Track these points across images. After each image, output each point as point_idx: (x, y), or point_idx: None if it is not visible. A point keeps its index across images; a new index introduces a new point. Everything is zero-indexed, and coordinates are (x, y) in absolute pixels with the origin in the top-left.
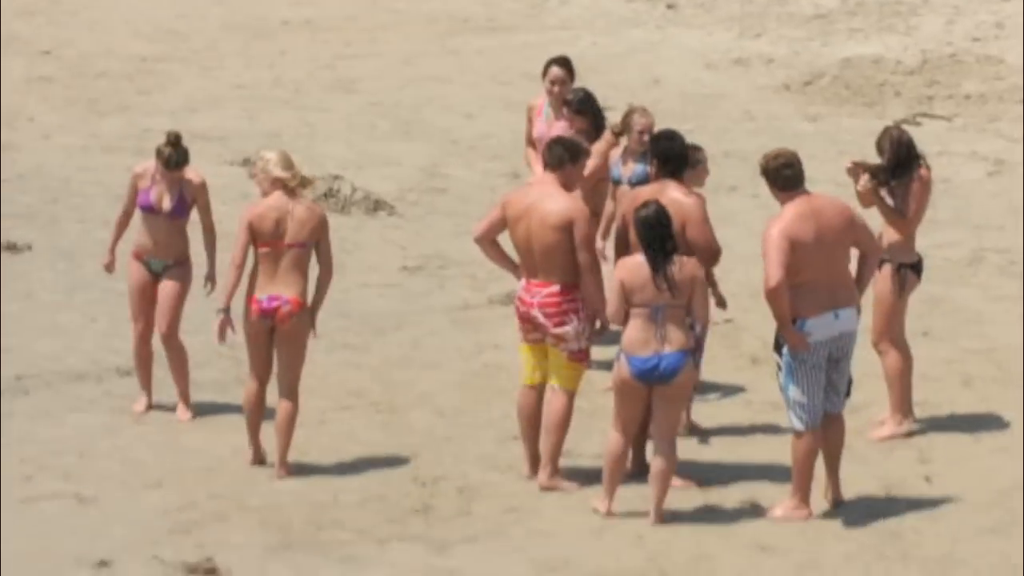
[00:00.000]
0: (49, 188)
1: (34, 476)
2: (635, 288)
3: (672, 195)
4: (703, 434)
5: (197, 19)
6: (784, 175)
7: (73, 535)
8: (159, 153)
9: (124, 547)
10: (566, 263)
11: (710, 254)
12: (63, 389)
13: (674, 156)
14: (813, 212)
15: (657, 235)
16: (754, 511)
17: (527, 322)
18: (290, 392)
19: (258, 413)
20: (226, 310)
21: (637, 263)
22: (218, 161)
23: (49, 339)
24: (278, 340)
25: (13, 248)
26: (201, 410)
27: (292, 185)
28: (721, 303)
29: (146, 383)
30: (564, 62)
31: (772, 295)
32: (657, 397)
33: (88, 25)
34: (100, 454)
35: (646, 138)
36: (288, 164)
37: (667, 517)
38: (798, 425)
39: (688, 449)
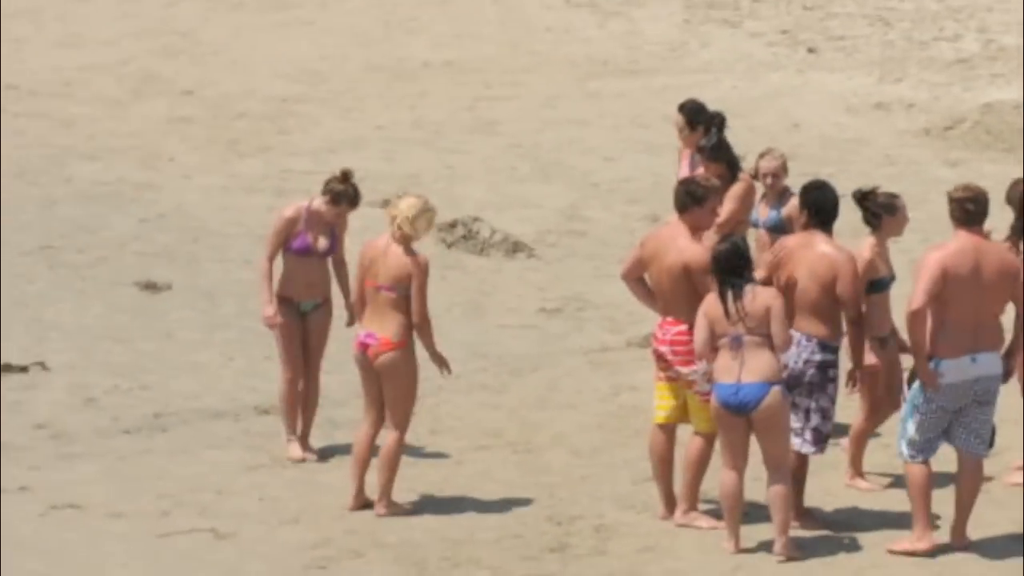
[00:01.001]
0: (189, 228)
1: (171, 512)
2: (715, 319)
3: (822, 249)
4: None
5: (338, 60)
6: (964, 208)
7: (209, 570)
8: (341, 194)
9: None
10: (692, 305)
11: (855, 313)
12: (201, 427)
13: (825, 207)
14: (976, 251)
15: (729, 267)
16: (905, 554)
17: (661, 359)
18: (395, 425)
19: (363, 456)
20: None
21: (716, 295)
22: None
23: (188, 377)
24: (380, 378)
25: (153, 287)
26: (338, 449)
27: (394, 228)
28: (853, 376)
29: (295, 427)
30: (685, 108)
31: (911, 319)
32: (755, 429)
33: (229, 65)
34: (237, 491)
35: (769, 181)
36: (410, 210)
37: (801, 555)
38: (905, 456)
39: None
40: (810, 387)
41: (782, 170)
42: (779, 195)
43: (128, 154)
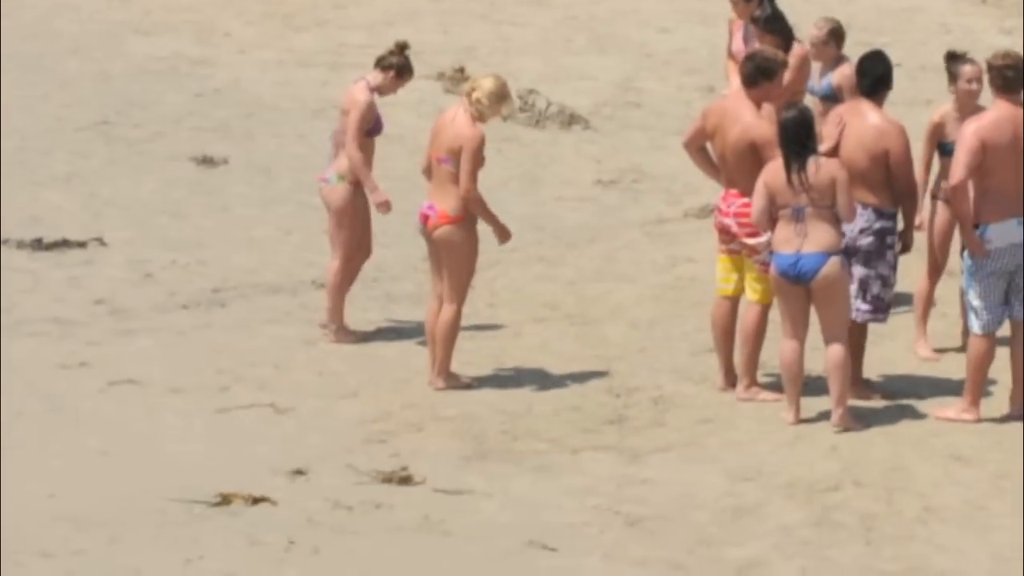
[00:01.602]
0: (244, 103)
1: (231, 387)
2: (776, 190)
3: (871, 119)
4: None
5: None
6: (1005, 75)
7: (269, 444)
8: (404, 67)
9: (319, 456)
10: (756, 178)
11: (906, 184)
12: (259, 302)
13: (875, 74)
14: (1013, 119)
15: (795, 136)
16: (950, 422)
17: (724, 232)
18: (451, 299)
19: (432, 329)
20: None
21: (779, 166)
22: (414, 75)
23: (245, 252)
24: (439, 250)
25: (209, 162)
26: (396, 322)
27: (471, 102)
28: (906, 246)
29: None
30: None
31: (954, 193)
32: (814, 300)
33: None
34: (296, 365)
35: (814, 52)
36: (492, 87)
37: (861, 426)
38: (975, 328)
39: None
40: (867, 255)
41: (831, 37)
42: (833, 63)
43: (183, 29)
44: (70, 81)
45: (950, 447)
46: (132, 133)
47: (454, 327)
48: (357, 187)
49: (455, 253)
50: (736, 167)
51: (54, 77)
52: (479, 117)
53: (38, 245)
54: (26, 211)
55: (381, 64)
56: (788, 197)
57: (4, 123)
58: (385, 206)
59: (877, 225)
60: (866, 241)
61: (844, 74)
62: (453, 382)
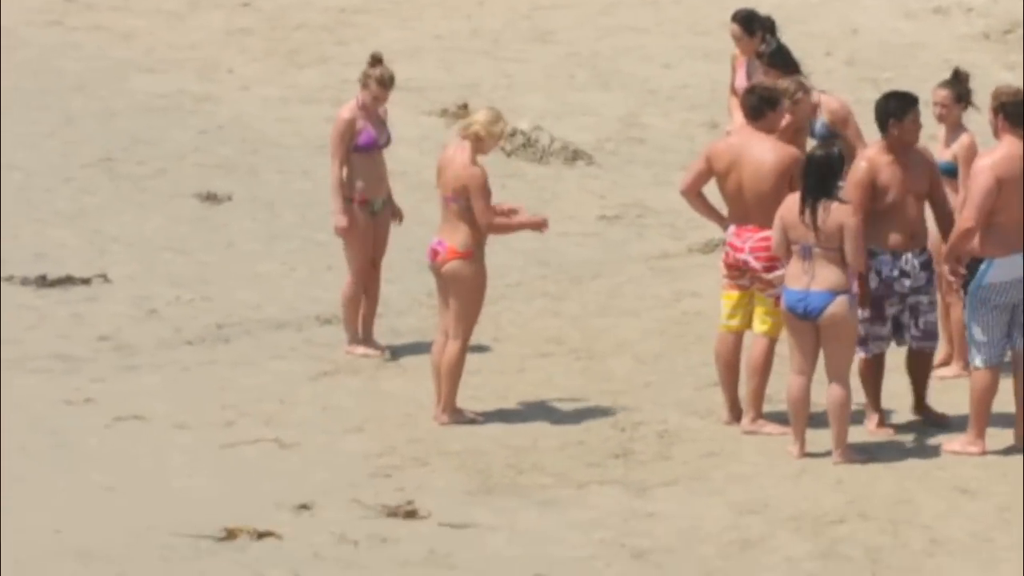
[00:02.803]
0: (248, 139)
1: (236, 422)
2: (789, 225)
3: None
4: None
5: None
6: (1013, 110)
7: (274, 479)
8: (379, 80)
9: (324, 491)
10: (775, 211)
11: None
12: (263, 337)
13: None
14: (1021, 154)
15: (817, 175)
16: (955, 454)
17: (735, 269)
18: (457, 334)
19: (438, 365)
20: None
21: (795, 200)
22: (416, 112)
23: (249, 288)
24: (446, 286)
25: (213, 198)
26: (400, 356)
27: (468, 134)
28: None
29: (358, 332)
30: (739, 17)
31: (965, 235)
32: (821, 337)
33: None
34: (301, 400)
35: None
36: (486, 117)
37: (865, 459)
38: (977, 361)
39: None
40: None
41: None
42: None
43: (187, 66)
44: (74, 118)
45: (955, 480)
46: (136, 170)
47: (459, 362)
48: (361, 205)
49: (463, 288)
50: (756, 199)
51: (58, 114)
52: (480, 149)
53: (43, 281)
54: (31, 247)
55: (365, 81)
56: (799, 233)
57: (9, 160)
58: (339, 230)
59: (920, 260)
60: (915, 275)
61: (831, 109)
62: (458, 417)
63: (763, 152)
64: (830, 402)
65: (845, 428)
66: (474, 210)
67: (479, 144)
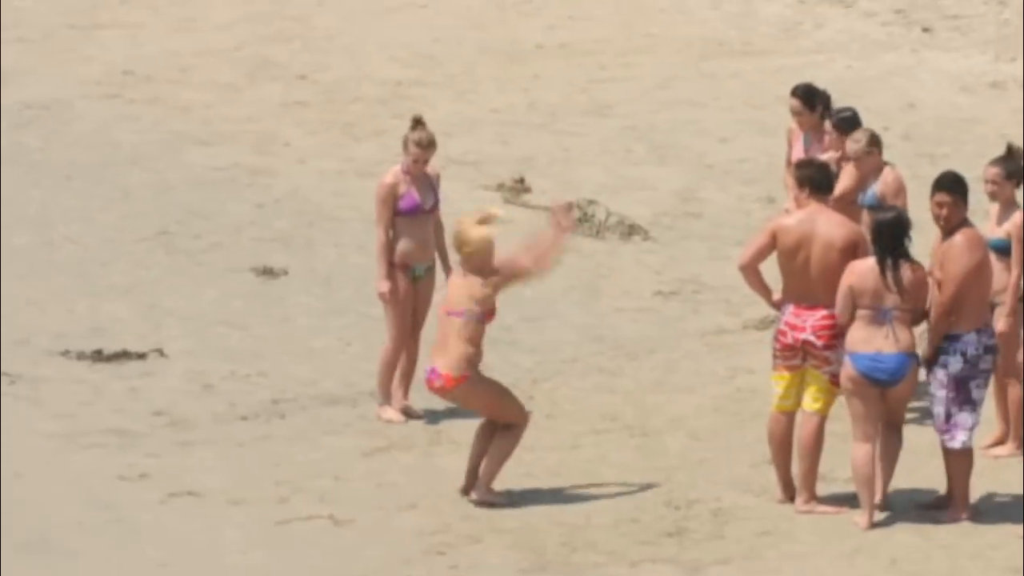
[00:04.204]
0: (304, 212)
1: (290, 498)
2: (863, 291)
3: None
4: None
5: (452, 43)
6: None
7: (328, 556)
8: (417, 142)
9: (378, 568)
10: (837, 287)
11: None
12: (318, 412)
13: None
14: None
15: (890, 237)
16: (1009, 533)
17: (791, 349)
18: (505, 425)
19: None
20: None
21: (866, 267)
22: (472, 186)
23: (304, 363)
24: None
25: (270, 273)
26: (454, 433)
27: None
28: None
29: (391, 395)
30: (799, 92)
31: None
32: (888, 399)
33: (344, 50)
34: (355, 477)
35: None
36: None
37: (920, 537)
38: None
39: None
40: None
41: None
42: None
43: (243, 139)
44: (130, 192)
45: (1009, 559)
46: (192, 244)
47: (507, 446)
48: (402, 269)
49: (477, 404)
50: (821, 276)
51: (114, 188)
52: (482, 268)
53: (98, 356)
54: (87, 322)
55: (408, 145)
56: (874, 299)
57: (65, 233)
58: (382, 296)
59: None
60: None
61: (886, 181)
62: (490, 497)
63: (831, 228)
64: (883, 449)
65: (891, 474)
66: (519, 276)
67: (482, 267)
